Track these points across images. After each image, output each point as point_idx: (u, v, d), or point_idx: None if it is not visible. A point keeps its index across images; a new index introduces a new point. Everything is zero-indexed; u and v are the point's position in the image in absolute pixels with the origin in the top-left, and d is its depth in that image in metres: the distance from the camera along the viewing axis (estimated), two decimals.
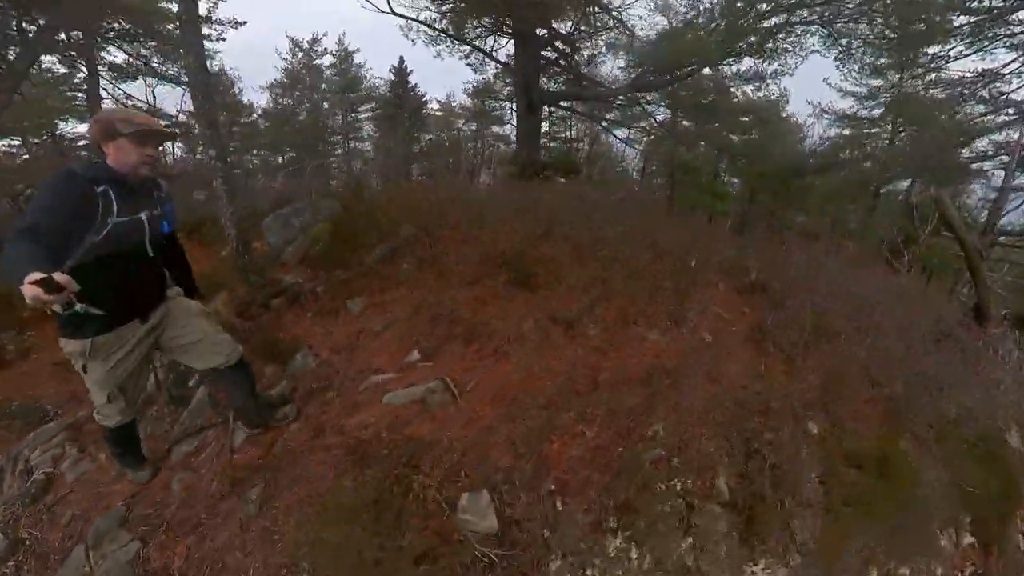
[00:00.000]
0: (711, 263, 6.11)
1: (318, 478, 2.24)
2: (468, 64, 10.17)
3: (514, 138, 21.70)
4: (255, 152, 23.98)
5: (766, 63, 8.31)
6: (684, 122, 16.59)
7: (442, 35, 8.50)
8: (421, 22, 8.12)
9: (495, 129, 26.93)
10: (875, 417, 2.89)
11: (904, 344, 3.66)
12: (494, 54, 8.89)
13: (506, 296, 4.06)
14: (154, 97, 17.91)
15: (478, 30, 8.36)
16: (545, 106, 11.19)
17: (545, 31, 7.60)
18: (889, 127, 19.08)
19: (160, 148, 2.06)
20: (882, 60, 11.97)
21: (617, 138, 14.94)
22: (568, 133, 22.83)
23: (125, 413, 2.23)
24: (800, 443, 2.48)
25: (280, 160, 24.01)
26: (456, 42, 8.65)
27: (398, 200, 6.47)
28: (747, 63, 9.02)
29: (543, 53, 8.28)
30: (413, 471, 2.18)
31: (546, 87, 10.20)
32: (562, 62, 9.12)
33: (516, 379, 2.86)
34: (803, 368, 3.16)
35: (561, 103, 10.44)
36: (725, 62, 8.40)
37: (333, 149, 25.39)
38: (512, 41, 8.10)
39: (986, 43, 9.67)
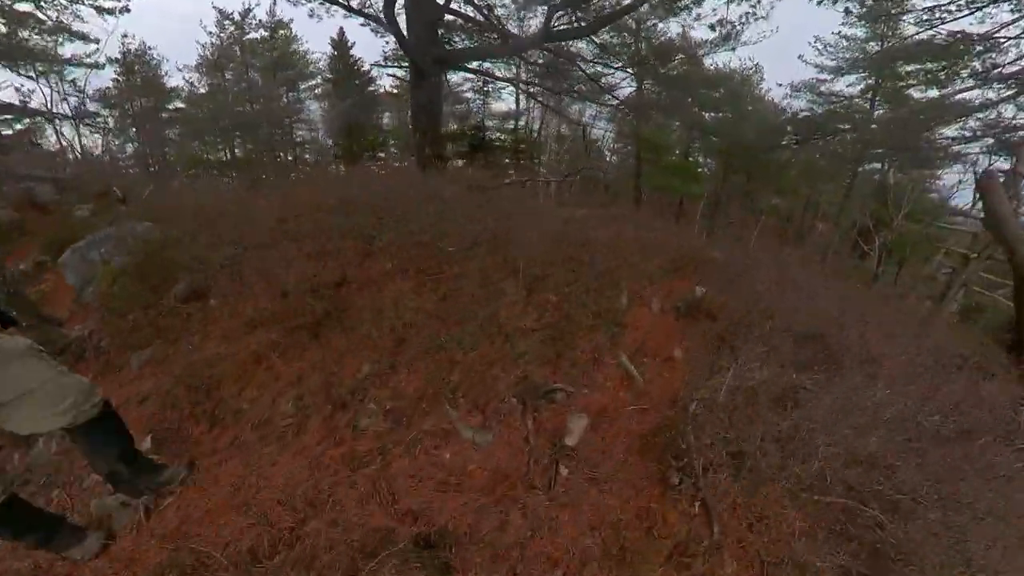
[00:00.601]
0: (650, 268, 4.57)
1: None
2: (363, 25, 8.17)
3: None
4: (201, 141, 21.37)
5: (734, 4, 6.63)
6: (651, 95, 14.98)
7: None
8: None
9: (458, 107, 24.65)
10: None
11: (913, 444, 2.12)
12: (375, 8, 6.74)
13: (292, 348, 2.92)
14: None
15: None
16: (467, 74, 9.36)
17: None
18: (867, 107, 17.89)
19: None
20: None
21: (556, 110, 13.09)
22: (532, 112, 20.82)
23: None
24: None
25: (230, 153, 21.50)
26: None
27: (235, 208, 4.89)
28: (709, 5, 7.32)
29: (439, 2, 6.37)
30: None
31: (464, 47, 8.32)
32: (477, 16, 7.22)
33: (201, 511, 2.08)
34: (724, 538, 1.59)
35: (466, 66, 8.50)
36: (684, 4, 6.65)
37: (286, 133, 22.83)
38: None
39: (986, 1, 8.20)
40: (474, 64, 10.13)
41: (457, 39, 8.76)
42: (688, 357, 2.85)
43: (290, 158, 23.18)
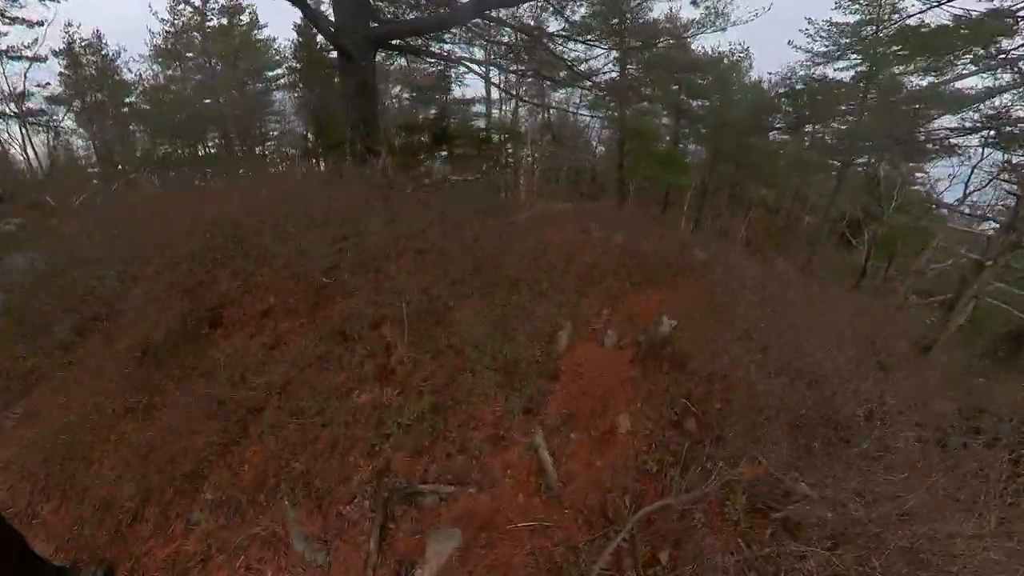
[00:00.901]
0: (612, 283, 3.76)
1: None
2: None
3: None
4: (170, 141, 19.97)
5: None
6: (633, 78, 14.04)
7: None
8: None
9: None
10: None
11: None
12: None
13: (151, 409, 2.46)
14: None
15: None
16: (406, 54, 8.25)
17: None
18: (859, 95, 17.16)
19: None
20: None
21: (520, 97, 12.12)
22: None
23: None
24: None
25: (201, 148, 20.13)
26: None
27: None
28: None
29: None
30: None
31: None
32: None
33: None
34: None
35: (399, 44, 7.41)
36: None
37: (256, 127, 21.43)
38: None
39: None
40: (436, 48, 9.14)
41: (412, 17, 7.78)
42: (637, 430, 2.04)
43: (263, 152, 21.93)
